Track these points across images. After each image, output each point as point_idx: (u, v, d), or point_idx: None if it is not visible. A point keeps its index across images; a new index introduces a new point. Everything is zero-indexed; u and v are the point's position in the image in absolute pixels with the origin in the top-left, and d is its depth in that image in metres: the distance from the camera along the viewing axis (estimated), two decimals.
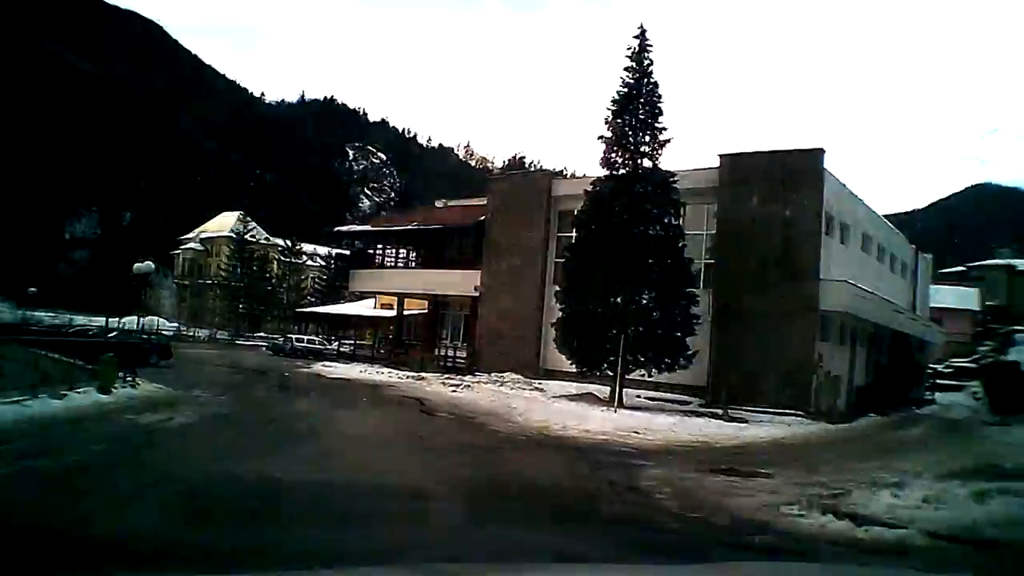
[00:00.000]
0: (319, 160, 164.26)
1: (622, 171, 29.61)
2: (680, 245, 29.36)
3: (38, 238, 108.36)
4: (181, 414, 17.64)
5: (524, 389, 32.13)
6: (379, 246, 46.21)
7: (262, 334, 74.09)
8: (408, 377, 35.57)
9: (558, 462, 15.04)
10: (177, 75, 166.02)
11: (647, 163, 29.73)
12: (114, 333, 37.26)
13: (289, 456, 12.69)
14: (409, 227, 42.65)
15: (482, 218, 39.67)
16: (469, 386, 32.07)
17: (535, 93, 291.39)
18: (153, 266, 32.56)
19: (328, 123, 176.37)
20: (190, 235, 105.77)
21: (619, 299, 28.28)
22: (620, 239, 28.30)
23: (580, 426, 21.70)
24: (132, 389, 21.42)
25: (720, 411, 27.38)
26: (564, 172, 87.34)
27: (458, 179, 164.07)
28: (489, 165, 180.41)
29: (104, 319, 66.33)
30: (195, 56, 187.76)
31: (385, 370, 38.75)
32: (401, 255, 46.07)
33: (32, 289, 66.46)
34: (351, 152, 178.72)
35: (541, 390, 31.84)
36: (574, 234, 31.09)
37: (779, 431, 24.95)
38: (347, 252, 46.68)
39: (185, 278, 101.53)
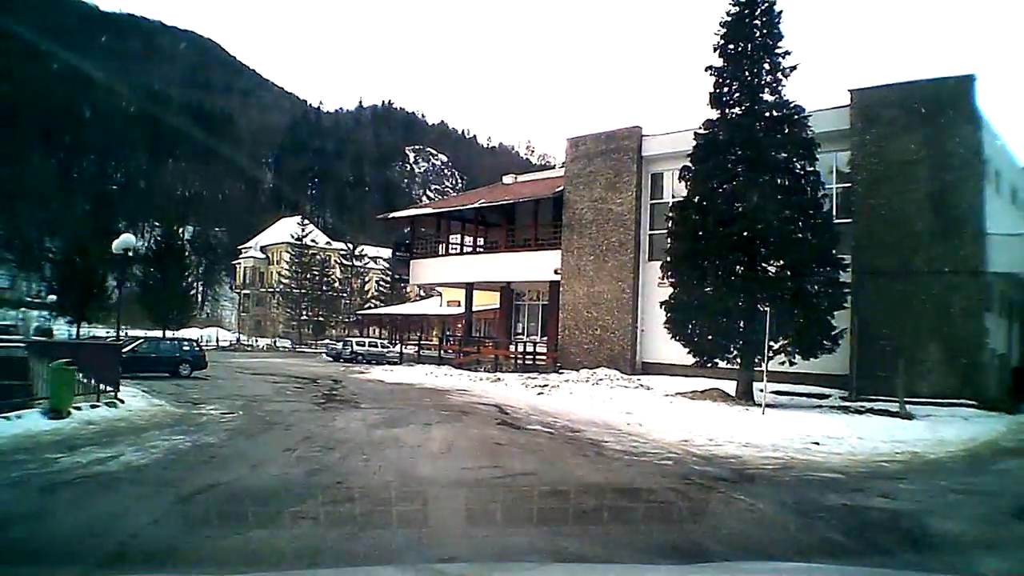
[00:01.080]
0: (379, 164, 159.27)
1: (736, 110, 22.68)
2: (820, 196, 22.38)
3: (101, 255, 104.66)
4: (143, 449, 11.18)
5: (625, 387, 25.27)
6: (441, 232, 39.66)
7: (326, 341, 68.08)
8: (482, 379, 29.07)
9: (779, 519, 8.15)
10: (237, 89, 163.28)
11: (768, 96, 22.67)
12: (141, 342, 31.47)
13: (279, 538, 6.22)
14: (474, 205, 36.06)
15: (559, 189, 32.85)
16: (556, 387, 25.36)
17: (593, 86, 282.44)
18: (133, 239, 26.23)
19: (387, 128, 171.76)
20: (249, 243, 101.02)
21: (748, 270, 21.38)
22: (741, 193, 21.44)
23: (732, 437, 14.88)
24: (110, 409, 15.30)
25: (895, 407, 20.15)
26: None
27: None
28: (551, 160, 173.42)
29: (161, 332, 61.59)
30: (254, 71, 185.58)
31: (454, 372, 32.25)
32: (467, 240, 39.44)
33: (52, 297, 61.63)
34: (411, 155, 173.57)
35: (648, 388, 24.91)
36: (678, 195, 24.26)
37: (980, 431, 17.65)
38: (406, 241, 39.38)
39: (246, 287, 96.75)
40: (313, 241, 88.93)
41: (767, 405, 19.46)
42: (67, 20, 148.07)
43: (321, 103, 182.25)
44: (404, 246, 39.57)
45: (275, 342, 73.19)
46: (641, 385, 25.57)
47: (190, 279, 76.17)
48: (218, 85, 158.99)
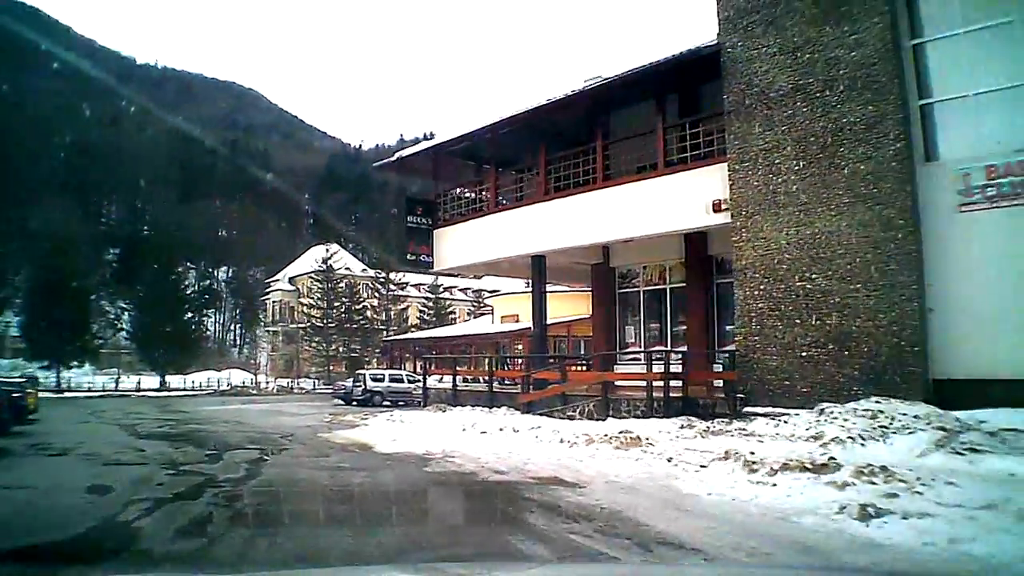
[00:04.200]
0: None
1: None
2: None
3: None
4: None
5: None
6: (483, 179, 21.92)
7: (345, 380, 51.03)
8: (591, 440, 11.58)
9: None
10: (276, 132, 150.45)
11: None
12: None
13: None
14: (538, 104, 18.06)
15: (708, 44, 15.45)
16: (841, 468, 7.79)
17: None
18: None
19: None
20: (278, 276, 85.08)
21: None
22: None
23: None
24: None
25: None
26: None
27: None
28: None
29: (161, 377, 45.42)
30: (293, 116, 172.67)
31: (519, 420, 14.78)
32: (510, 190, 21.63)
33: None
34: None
35: None
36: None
37: None
38: (422, 203, 21.61)
39: (276, 323, 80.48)
40: (347, 268, 72.50)
41: None
42: (102, 70, 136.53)
43: (361, 142, 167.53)
44: (423, 207, 21.95)
45: (293, 383, 56.51)
46: None
47: (195, 319, 60.78)
48: (257, 129, 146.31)
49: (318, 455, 12.53)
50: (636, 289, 20.86)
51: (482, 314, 68.92)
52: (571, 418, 15.76)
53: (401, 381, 30.82)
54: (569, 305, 36.13)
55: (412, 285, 77.99)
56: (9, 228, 78.39)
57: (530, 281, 21.47)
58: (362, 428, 17.08)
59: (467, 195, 21.46)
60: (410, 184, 27.84)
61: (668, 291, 20.04)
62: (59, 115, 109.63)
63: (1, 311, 54.72)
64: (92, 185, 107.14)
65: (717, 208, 15.62)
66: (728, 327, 17.82)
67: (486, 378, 21.10)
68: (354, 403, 30.57)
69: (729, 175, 15.27)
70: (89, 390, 44.75)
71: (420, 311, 73.07)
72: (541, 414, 16.29)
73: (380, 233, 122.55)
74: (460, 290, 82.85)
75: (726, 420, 13.40)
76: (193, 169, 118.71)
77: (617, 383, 16.58)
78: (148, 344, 53.15)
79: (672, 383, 15.43)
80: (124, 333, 58.59)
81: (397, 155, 21.63)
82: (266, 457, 12.11)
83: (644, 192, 17.07)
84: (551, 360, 20.82)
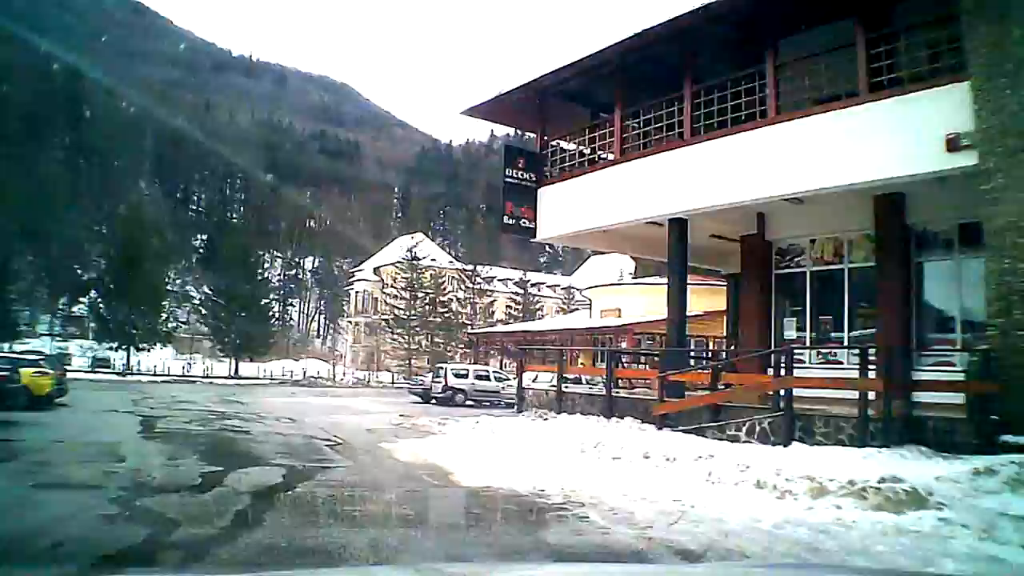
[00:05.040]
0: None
1: None
2: None
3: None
4: None
5: None
6: (601, 123, 16.59)
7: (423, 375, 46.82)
8: (836, 487, 6.61)
9: None
10: (367, 126, 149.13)
11: None
12: None
13: None
14: (684, 13, 13.10)
15: None
16: None
17: None
18: None
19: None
20: (363, 266, 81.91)
21: None
22: None
23: None
24: None
25: None
26: None
27: None
28: None
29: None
30: (386, 112, 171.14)
31: (671, 443, 9.94)
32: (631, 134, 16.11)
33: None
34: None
35: None
36: None
37: None
38: (523, 156, 16.79)
39: (359, 315, 77.21)
40: (433, 260, 68.62)
41: None
42: (198, 61, 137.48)
43: (451, 139, 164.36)
44: (525, 159, 17.12)
45: (370, 375, 52.87)
46: None
47: (272, 306, 58.27)
48: (348, 122, 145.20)
49: (366, 486, 8.09)
50: (800, 270, 15.71)
51: (574, 310, 64.09)
52: (733, 439, 10.91)
53: (487, 378, 26.28)
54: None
55: (499, 280, 73.82)
56: (99, 215, 77.77)
57: (666, 268, 16.54)
58: (438, 438, 12.61)
59: (579, 145, 16.55)
60: (498, 149, 23.23)
61: (847, 272, 14.86)
62: (154, 103, 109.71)
63: (85, 293, 52.56)
64: (183, 172, 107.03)
65: (954, 146, 10.54)
66: (931, 328, 12.85)
67: (598, 379, 16.30)
68: (432, 401, 26.25)
69: (974, 98, 10.22)
70: (155, 374, 41.87)
71: (507, 306, 68.67)
72: (687, 430, 11.48)
73: (467, 227, 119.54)
74: (548, 286, 78.18)
75: (986, 453, 8.44)
76: (284, 159, 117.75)
77: (798, 391, 11.54)
78: (224, 330, 50.33)
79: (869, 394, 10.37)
80: (203, 318, 56.03)
81: (495, 95, 16.83)
82: (285, 490, 7.68)
83: (832, 129, 12.06)
84: (696, 359, 15.88)
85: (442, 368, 26.52)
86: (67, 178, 76.80)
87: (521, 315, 64.41)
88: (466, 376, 25.86)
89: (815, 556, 5.09)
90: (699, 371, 14.21)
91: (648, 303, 33.54)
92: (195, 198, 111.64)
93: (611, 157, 15.69)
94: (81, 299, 55.11)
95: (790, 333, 15.60)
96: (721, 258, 18.45)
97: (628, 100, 15.61)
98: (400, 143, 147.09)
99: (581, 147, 17.03)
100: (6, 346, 24.29)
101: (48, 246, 65.88)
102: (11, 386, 14.03)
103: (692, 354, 17.37)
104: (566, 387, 16.47)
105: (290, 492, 7.40)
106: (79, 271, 60.67)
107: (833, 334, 14.79)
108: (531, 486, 7.86)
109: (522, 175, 16.75)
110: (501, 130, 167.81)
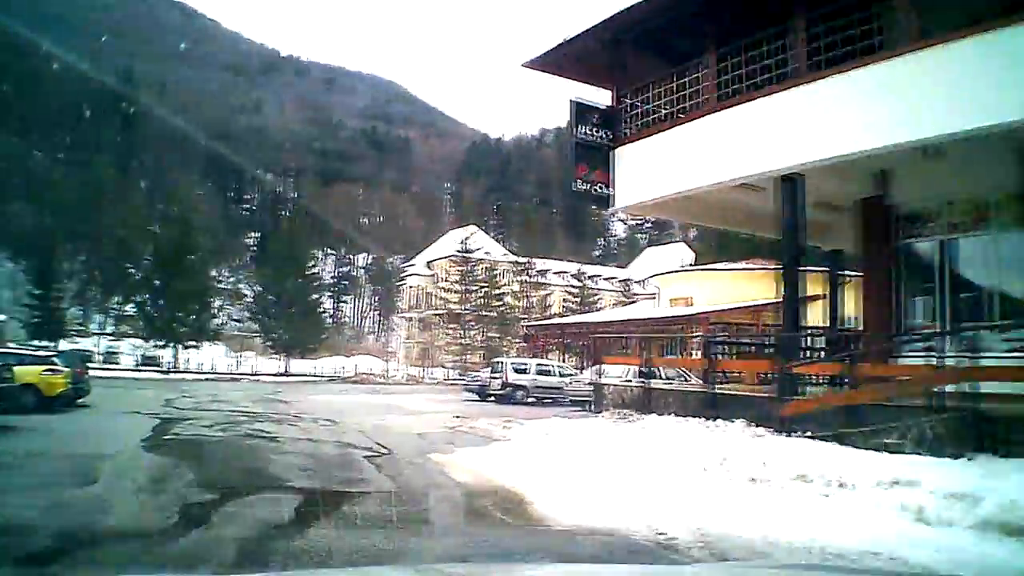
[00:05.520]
0: (566, 186, 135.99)
1: None
2: None
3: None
4: None
5: None
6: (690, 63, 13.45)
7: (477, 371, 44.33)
8: None
9: None
10: (416, 123, 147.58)
11: None
12: None
13: None
14: None
15: None
16: None
17: None
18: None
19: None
20: (414, 260, 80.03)
21: None
22: None
23: None
24: None
25: None
26: None
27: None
28: None
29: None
30: (435, 108, 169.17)
31: (820, 456, 7.22)
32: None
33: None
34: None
35: None
36: None
37: None
38: (594, 110, 14.08)
39: (412, 310, 75.20)
40: (487, 253, 66.31)
41: None
42: (250, 63, 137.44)
43: (502, 134, 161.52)
44: (598, 115, 14.26)
45: (424, 372, 50.76)
46: None
47: (320, 302, 56.84)
48: (398, 119, 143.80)
49: (409, 530, 5.57)
50: (931, 240, 12.80)
51: (632, 301, 61.26)
52: (894, 449, 8.15)
53: (550, 373, 23.69)
54: (751, 286, 28.30)
55: (553, 273, 71.14)
56: (151, 213, 77.16)
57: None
58: (502, 446, 10.13)
59: (660, 99, 13.79)
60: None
61: (993, 241, 11.94)
62: (205, 104, 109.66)
63: (137, 292, 51.35)
64: (235, 172, 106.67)
65: None
66: None
67: (691, 372, 13.63)
68: (490, 399, 23.82)
69: None
70: (201, 371, 40.29)
71: (564, 299, 65.99)
72: (822, 437, 8.76)
73: (520, 221, 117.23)
74: (604, 279, 75.21)
75: None
76: (334, 157, 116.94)
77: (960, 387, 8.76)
78: (273, 327, 48.81)
79: None
80: (252, 315, 54.64)
81: (560, 42, 14.21)
82: (286, 539, 5.19)
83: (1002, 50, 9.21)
84: (808, 349, 13.13)
85: (500, 363, 23.94)
86: (120, 178, 76.43)
87: (578, 308, 61.68)
88: (527, 371, 23.29)
89: None
90: (828, 362, 11.45)
91: (719, 290, 30.67)
92: (246, 197, 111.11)
93: (702, 106, 12.94)
94: (133, 298, 54.20)
95: (914, 320, 12.77)
96: (822, 231, 15.55)
97: (721, 39, 12.88)
98: (450, 139, 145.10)
99: (660, 106, 14.29)
100: (12, 344, 22.73)
101: (100, 245, 65.30)
102: (5, 386, 11.96)
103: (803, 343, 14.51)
104: (658, 384, 13.83)
105: (293, 543, 4.95)
106: (132, 270, 60.02)
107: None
108: (647, 525, 5.33)
109: (595, 133, 14.10)
110: (552, 122, 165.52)
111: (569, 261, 76.23)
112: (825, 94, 11.24)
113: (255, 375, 41.22)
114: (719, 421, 10.50)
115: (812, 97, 11.44)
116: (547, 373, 23.55)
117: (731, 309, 27.25)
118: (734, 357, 15.35)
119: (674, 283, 32.80)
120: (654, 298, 35.26)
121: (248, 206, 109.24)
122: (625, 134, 14.30)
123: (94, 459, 8.58)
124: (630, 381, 15.16)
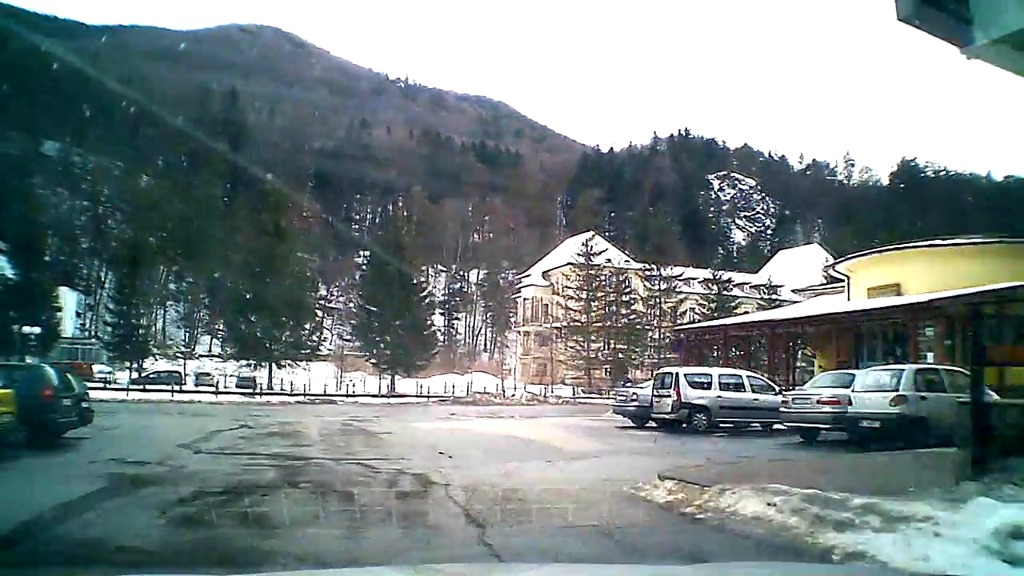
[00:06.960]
0: (681, 196, 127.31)
1: None
2: None
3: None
4: None
5: None
6: None
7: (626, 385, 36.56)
8: None
9: None
10: (525, 138, 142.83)
11: None
12: None
13: None
14: None
15: None
16: None
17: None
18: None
19: (686, 157, 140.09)
20: (530, 271, 73.32)
21: None
22: None
23: None
24: None
25: None
26: None
27: (842, 193, 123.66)
28: (873, 174, 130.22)
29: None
30: (543, 126, 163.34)
31: None
32: None
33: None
34: (715, 182, 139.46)
35: None
36: None
37: None
38: None
39: (528, 324, 68.24)
40: (608, 260, 58.73)
41: None
42: (358, 86, 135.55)
43: (612, 146, 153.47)
44: None
45: (546, 389, 43.68)
46: None
47: (433, 319, 50.89)
48: (507, 136, 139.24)
49: None
50: None
51: (776, 306, 52.48)
52: None
53: (742, 388, 16.01)
54: (976, 267, 20.23)
55: (680, 280, 62.55)
56: (257, 229, 73.65)
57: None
58: None
59: None
60: None
61: None
62: (314, 127, 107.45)
63: (230, 309, 46.78)
64: (345, 191, 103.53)
65: None
66: None
67: None
68: (654, 425, 16.49)
69: None
70: (290, 393, 34.71)
71: (700, 305, 57.84)
72: None
73: (636, 231, 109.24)
74: (736, 284, 65.82)
75: None
76: (444, 174, 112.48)
77: None
78: (378, 345, 43.06)
79: None
80: (358, 332, 49.26)
81: None
82: None
83: None
84: None
85: (668, 375, 16.25)
86: (226, 197, 73.61)
87: (712, 315, 53.41)
88: (708, 386, 15.76)
89: None
90: None
91: (937, 274, 22.30)
92: (356, 216, 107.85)
93: None
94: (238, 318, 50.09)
95: None
96: None
97: None
98: (560, 153, 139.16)
99: None
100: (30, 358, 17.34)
101: (204, 264, 61.77)
102: None
103: None
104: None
105: None
106: (241, 290, 56.31)
107: None
108: None
109: None
110: (664, 130, 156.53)
111: (700, 267, 68.27)
112: None
113: (353, 396, 35.22)
114: None
115: None
116: (737, 387, 15.97)
117: (952, 296, 18.93)
118: None
119: (873, 268, 24.65)
120: (847, 287, 27.01)
121: (358, 225, 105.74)
122: None
123: None
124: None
